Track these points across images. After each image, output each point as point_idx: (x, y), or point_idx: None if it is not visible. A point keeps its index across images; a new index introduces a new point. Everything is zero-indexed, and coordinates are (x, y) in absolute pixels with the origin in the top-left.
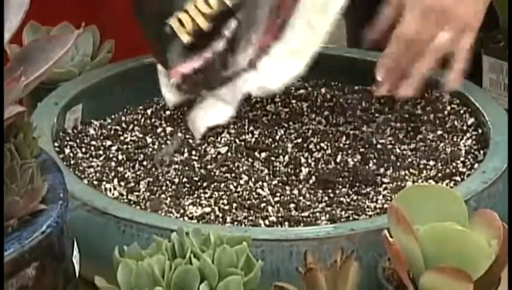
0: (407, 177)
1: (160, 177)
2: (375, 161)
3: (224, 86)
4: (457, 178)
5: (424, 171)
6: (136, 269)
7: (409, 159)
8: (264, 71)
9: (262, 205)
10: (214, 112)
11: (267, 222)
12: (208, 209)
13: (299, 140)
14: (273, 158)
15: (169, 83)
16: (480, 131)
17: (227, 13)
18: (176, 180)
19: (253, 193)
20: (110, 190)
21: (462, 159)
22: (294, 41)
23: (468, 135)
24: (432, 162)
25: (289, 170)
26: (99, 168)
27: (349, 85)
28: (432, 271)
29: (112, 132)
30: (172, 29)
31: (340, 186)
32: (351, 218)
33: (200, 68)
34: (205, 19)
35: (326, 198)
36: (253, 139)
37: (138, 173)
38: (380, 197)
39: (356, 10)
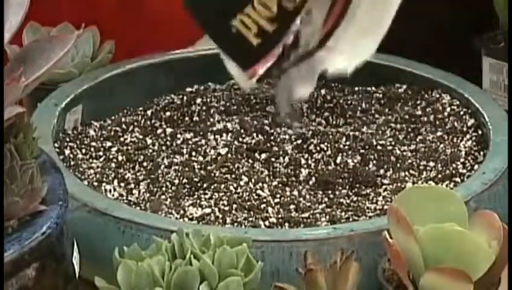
0: (407, 179)
1: (160, 178)
2: (375, 162)
3: (300, 64)
4: (457, 179)
5: (424, 173)
6: (136, 269)
7: (409, 160)
8: (334, 52)
9: (262, 206)
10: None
11: (267, 223)
12: (208, 210)
13: (299, 141)
14: (273, 159)
15: (241, 72)
16: (480, 132)
17: (291, 13)
18: (176, 181)
19: (253, 194)
20: (110, 190)
21: (462, 160)
22: (361, 20)
23: (468, 136)
24: (431, 163)
25: (289, 171)
26: (99, 169)
27: (349, 86)
28: (432, 272)
29: (112, 133)
30: (238, 31)
31: (340, 188)
32: (351, 219)
33: (274, 64)
34: (268, 22)
35: (326, 199)
36: (253, 141)
37: (138, 174)
38: (380, 198)
39: None
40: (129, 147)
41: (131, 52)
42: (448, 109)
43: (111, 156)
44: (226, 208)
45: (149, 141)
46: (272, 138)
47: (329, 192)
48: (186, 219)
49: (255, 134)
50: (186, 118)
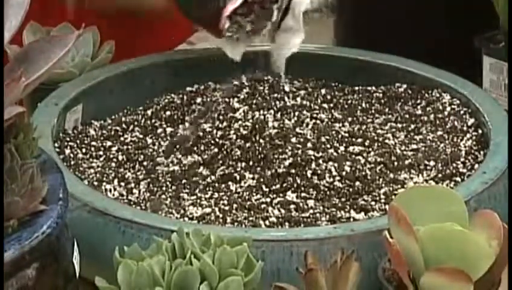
0: (407, 178)
1: (160, 178)
2: (375, 161)
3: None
4: (458, 179)
5: (424, 172)
6: (137, 269)
7: (409, 160)
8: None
9: (263, 205)
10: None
11: (267, 222)
12: (208, 210)
13: (300, 140)
14: (273, 159)
15: (232, 46)
16: (480, 132)
17: None
18: (176, 180)
19: (254, 194)
20: (110, 190)
21: (462, 159)
22: None
23: (468, 135)
24: (432, 163)
25: (289, 170)
26: (99, 168)
27: (349, 85)
28: (432, 272)
29: (112, 132)
30: None
31: (340, 187)
32: (351, 219)
33: (242, 11)
34: None
35: (326, 198)
36: (254, 139)
37: (138, 173)
38: (380, 198)
39: (345, 10)
40: (129, 147)
41: (131, 52)
42: (449, 109)
43: (111, 156)
44: (226, 208)
45: (149, 141)
46: (272, 137)
47: (330, 191)
48: (186, 219)
49: (255, 133)
50: (186, 118)
